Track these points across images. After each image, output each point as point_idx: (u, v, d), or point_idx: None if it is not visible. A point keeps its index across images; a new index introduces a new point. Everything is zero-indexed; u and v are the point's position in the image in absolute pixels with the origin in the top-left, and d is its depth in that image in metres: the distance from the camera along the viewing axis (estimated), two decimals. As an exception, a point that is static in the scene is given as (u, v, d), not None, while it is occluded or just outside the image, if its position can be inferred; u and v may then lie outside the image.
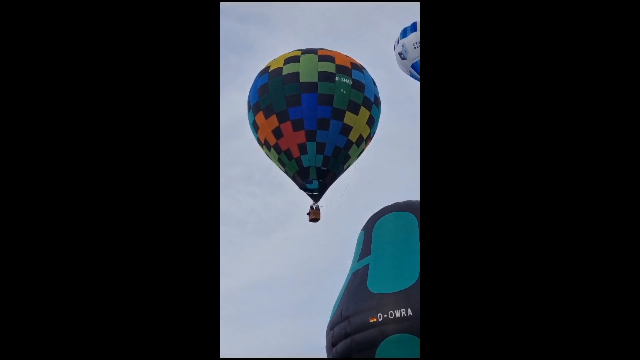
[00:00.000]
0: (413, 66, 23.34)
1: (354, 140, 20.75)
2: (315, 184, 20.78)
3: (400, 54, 23.39)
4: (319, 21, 41.38)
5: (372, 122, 21.03)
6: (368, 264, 12.00)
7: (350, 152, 20.86)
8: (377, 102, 21.19)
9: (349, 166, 21.18)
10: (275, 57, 21.29)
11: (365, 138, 21.01)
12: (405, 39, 23.25)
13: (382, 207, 12.59)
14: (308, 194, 21.19)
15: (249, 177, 44.18)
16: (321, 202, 21.40)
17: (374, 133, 21.29)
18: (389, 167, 41.20)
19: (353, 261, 12.49)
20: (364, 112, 20.79)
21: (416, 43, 22.95)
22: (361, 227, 12.68)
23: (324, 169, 20.73)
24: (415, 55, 22.92)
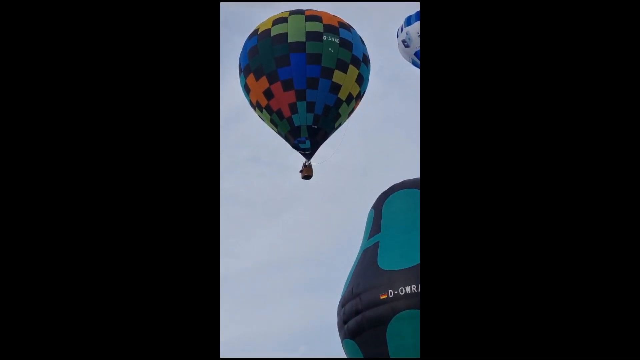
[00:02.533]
0: (416, 54, 22.37)
1: (343, 99, 20.03)
2: (307, 143, 20.18)
3: (403, 41, 22.42)
4: (324, 1, 39.97)
5: (361, 81, 20.27)
6: (378, 242, 11.59)
7: (340, 111, 20.18)
8: (365, 60, 20.40)
9: (340, 125, 20.50)
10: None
11: (355, 96, 20.29)
12: (409, 27, 22.24)
13: (391, 185, 11.99)
14: (301, 153, 20.54)
15: (256, 158, 42.90)
16: (313, 160, 20.73)
17: (364, 92, 20.55)
18: (396, 147, 40.35)
19: (363, 239, 12.06)
20: (353, 70, 19.98)
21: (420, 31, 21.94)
22: (371, 206, 12.08)
23: (315, 127, 20.08)
24: (419, 43, 21.91)
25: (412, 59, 22.72)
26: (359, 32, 20.54)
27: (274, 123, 20.18)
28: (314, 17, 19.94)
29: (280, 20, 19.89)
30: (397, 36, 22.80)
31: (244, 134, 40.36)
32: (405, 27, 22.35)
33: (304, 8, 20.47)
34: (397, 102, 40.71)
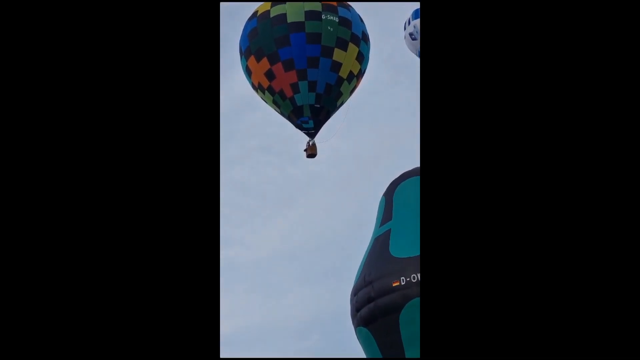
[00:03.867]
0: (423, 47, 21.72)
1: (344, 77, 19.56)
2: (310, 123, 19.79)
3: (410, 34, 21.78)
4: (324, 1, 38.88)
5: (361, 59, 19.83)
6: (390, 229, 11.29)
7: (342, 89, 19.75)
8: (365, 38, 19.96)
9: (342, 103, 20.10)
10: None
11: (356, 74, 19.87)
12: (417, 20, 21.55)
13: (402, 172, 11.62)
14: (304, 132, 20.12)
15: (267, 148, 41.57)
16: (317, 139, 20.34)
17: (365, 70, 20.11)
18: (407, 135, 39.63)
19: (375, 227, 11.74)
20: (353, 49, 19.49)
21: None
22: (382, 194, 11.70)
23: (317, 106, 19.71)
24: (426, 36, 21.24)
25: (418, 52, 22.14)
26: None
27: (276, 104, 19.81)
28: (312, -3, 19.51)
29: (279, 1, 19.40)
30: (404, 29, 22.18)
31: (253, 124, 39.55)
32: (412, 20, 21.71)
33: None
34: (407, 90, 40.02)
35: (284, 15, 19.12)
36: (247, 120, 39.60)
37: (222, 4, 7.05)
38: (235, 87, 33.60)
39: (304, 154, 20.40)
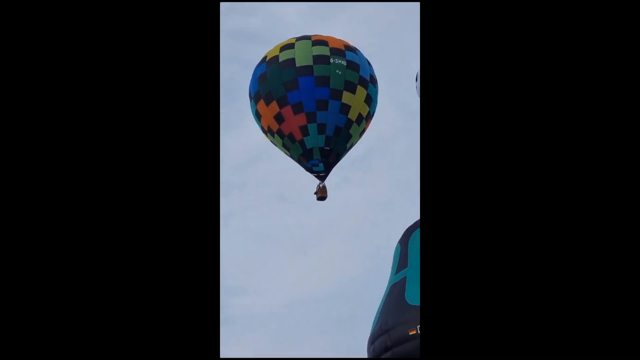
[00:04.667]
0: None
1: (353, 119, 19.65)
2: (320, 166, 19.76)
3: None
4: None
5: (370, 101, 19.97)
6: (405, 277, 10.88)
7: (351, 131, 19.82)
8: (373, 80, 20.07)
9: (352, 145, 20.14)
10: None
11: (365, 117, 19.96)
12: None
13: (416, 219, 11.36)
14: (315, 175, 20.14)
15: (282, 196, 40.78)
16: (328, 182, 20.33)
17: (374, 112, 20.18)
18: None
19: (391, 274, 11.38)
20: (361, 91, 19.59)
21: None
22: (397, 241, 11.46)
23: (327, 148, 19.76)
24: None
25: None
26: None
27: (286, 147, 19.84)
28: (320, 42, 19.63)
29: (288, 46, 19.60)
30: (416, 80, 22.14)
31: (268, 172, 39.37)
32: (425, 72, 21.64)
33: (310, 34, 20.13)
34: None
35: (293, 60, 19.28)
36: (261, 168, 39.48)
37: (222, 3, 6.86)
38: (250, 135, 33.58)
39: (314, 197, 20.38)
